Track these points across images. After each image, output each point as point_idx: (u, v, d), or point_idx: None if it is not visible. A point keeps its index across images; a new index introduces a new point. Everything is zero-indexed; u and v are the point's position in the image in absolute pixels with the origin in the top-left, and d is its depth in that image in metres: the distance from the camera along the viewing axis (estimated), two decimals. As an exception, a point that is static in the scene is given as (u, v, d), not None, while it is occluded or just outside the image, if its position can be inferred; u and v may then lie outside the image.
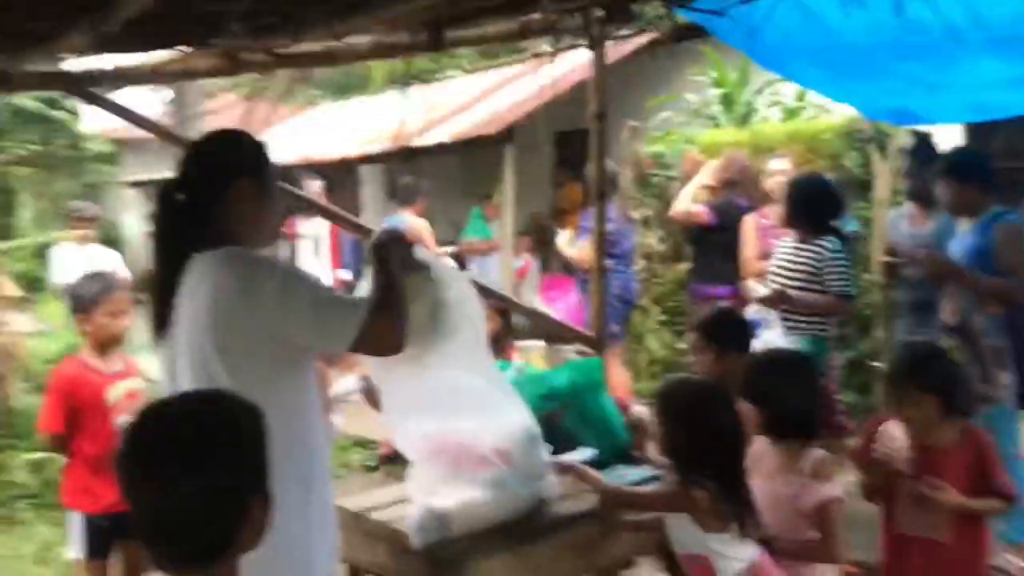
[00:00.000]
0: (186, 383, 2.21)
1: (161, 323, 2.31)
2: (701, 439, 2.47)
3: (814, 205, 4.51)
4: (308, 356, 2.32)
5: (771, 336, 4.31)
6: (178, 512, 1.44)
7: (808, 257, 4.41)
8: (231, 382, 2.10)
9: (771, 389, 2.76)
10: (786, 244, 4.62)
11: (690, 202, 5.78)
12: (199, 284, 2.20)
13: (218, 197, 2.28)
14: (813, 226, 4.47)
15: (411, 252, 2.53)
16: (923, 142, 4.82)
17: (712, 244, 5.67)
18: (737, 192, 5.69)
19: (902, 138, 5.72)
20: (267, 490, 1.53)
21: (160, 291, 2.30)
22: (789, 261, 4.49)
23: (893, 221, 4.92)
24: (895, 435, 2.84)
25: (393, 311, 2.26)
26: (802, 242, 4.46)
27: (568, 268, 7.16)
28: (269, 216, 2.41)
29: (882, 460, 2.86)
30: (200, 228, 2.26)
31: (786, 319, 4.39)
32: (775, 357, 3.18)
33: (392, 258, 2.38)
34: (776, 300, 4.36)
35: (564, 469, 2.88)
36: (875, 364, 5.62)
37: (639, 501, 2.80)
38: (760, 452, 2.78)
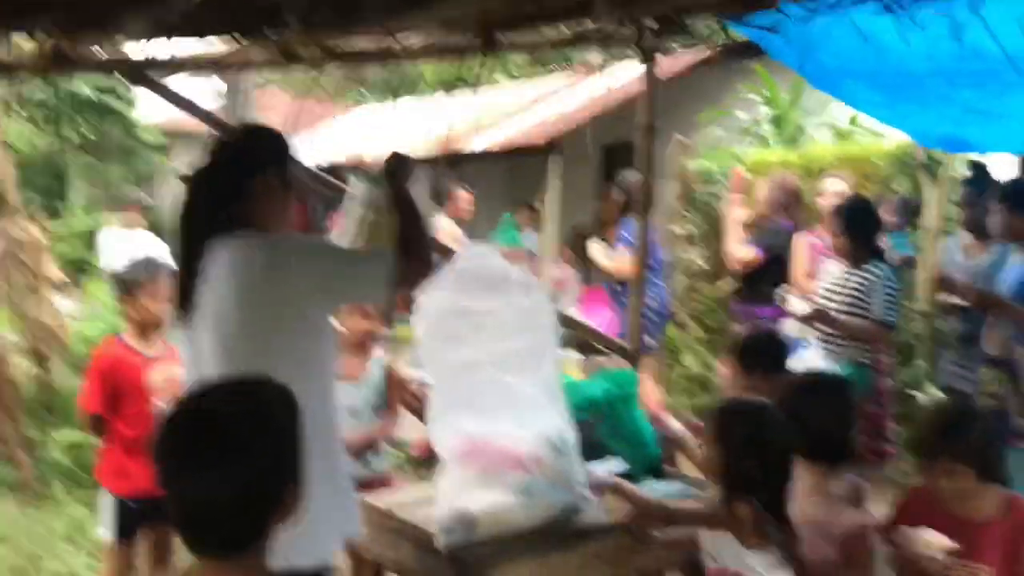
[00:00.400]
0: (210, 367, 2.29)
1: (184, 307, 2.38)
2: (752, 459, 2.43)
3: (864, 228, 4.44)
4: (330, 332, 2.43)
5: (810, 357, 4.26)
6: (215, 501, 1.46)
7: (857, 282, 4.35)
8: (256, 361, 2.15)
9: (805, 409, 2.72)
10: (835, 267, 4.56)
11: (737, 242, 5.74)
12: (221, 268, 2.29)
13: (244, 187, 2.39)
14: (863, 249, 4.41)
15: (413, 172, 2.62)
16: (980, 171, 4.75)
17: (758, 267, 5.62)
18: (784, 215, 5.65)
19: (959, 167, 5.65)
20: (300, 476, 1.55)
21: (185, 276, 2.39)
22: (838, 285, 4.43)
23: (948, 250, 4.84)
24: (920, 540, 2.52)
25: (417, 241, 2.44)
26: (853, 266, 4.39)
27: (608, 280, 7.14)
28: (289, 208, 2.54)
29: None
30: (225, 217, 2.36)
31: (826, 342, 4.33)
32: (812, 378, 3.13)
33: (403, 178, 2.52)
34: (817, 319, 4.31)
35: (601, 484, 2.84)
36: (915, 393, 5.54)
37: (679, 517, 2.74)
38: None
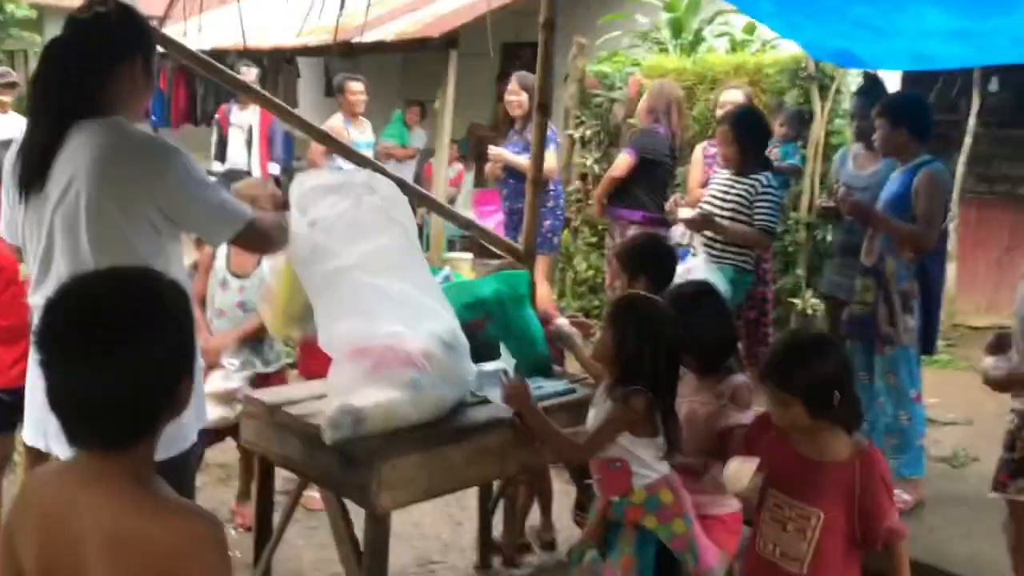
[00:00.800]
0: (56, 248, 2.31)
1: (31, 183, 2.33)
2: (645, 346, 2.56)
3: (753, 138, 4.54)
4: (175, 239, 2.44)
5: (694, 264, 4.38)
6: (109, 390, 1.39)
7: (743, 189, 4.46)
8: (96, 246, 2.25)
9: (689, 317, 2.83)
10: (722, 175, 4.65)
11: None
12: (82, 148, 2.27)
13: (109, 70, 2.36)
14: (751, 159, 4.51)
15: None
16: (872, 82, 4.85)
17: (632, 171, 5.66)
18: (662, 121, 5.69)
19: (849, 80, 5.79)
20: (192, 367, 1.51)
21: (37, 153, 2.33)
22: (723, 191, 4.54)
23: (840, 160, 4.97)
24: (741, 475, 2.49)
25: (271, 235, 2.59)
26: (738, 174, 4.50)
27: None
28: (148, 95, 2.57)
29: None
30: (85, 97, 2.32)
31: (710, 249, 4.45)
32: (692, 287, 3.20)
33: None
34: (701, 224, 4.41)
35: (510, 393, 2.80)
36: (793, 301, 5.77)
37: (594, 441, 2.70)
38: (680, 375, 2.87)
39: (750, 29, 7.48)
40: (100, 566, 1.42)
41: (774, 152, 5.34)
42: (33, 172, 2.33)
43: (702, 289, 3.15)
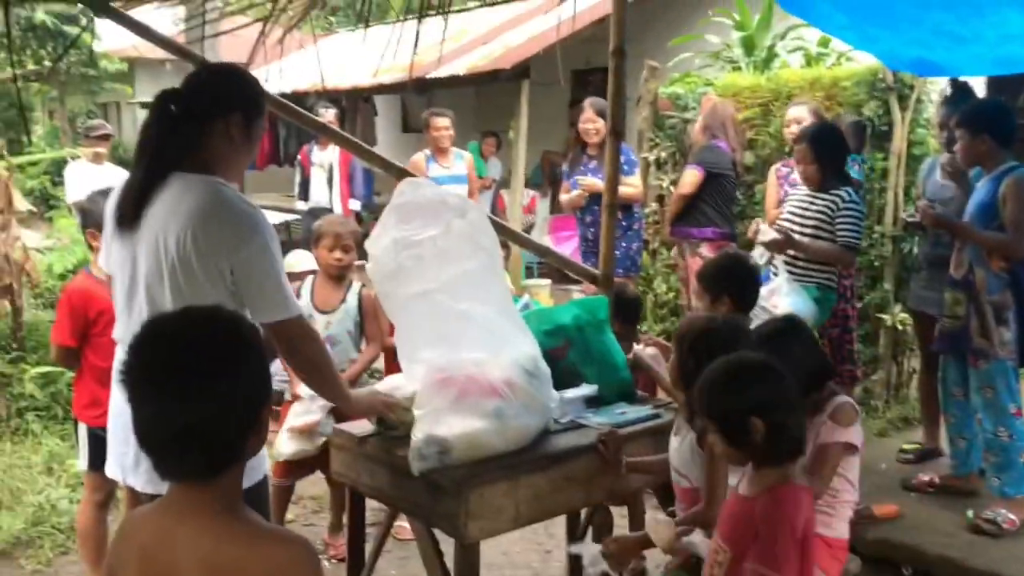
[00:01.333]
0: (139, 287, 2.44)
1: (124, 219, 2.46)
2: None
3: (832, 154, 4.46)
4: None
5: (777, 284, 4.32)
6: (197, 423, 1.45)
7: (823, 206, 4.39)
8: (176, 294, 2.35)
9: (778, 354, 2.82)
10: (800, 192, 4.59)
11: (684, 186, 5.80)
12: (178, 199, 2.37)
13: (210, 124, 2.46)
14: (830, 175, 4.44)
15: None
16: (961, 91, 4.71)
17: (699, 187, 5.68)
18: (720, 138, 5.73)
19: (929, 90, 5.65)
20: (270, 399, 1.57)
21: (136, 194, 2.44)
22: (802, 209, 4.48)
23: (925, 171, 4.84)
24: (660, 533, 2.60)
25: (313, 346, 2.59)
26: (818, 191, 4.43)
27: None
28: (249, 154, 2.61)
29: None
30: (185, 148, 2.43)
31: (792, 268, 4.39)
32: (764, 331, 3.06)
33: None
34: (782, 245, 4.35)
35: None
36: (882, 316, 5.63)
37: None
38: None
39: (824, 42, 7.36)
40: None
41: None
42: (128, 209, 2.46)
43: (784, 326, 3.07)
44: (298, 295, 4.13)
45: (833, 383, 3.10)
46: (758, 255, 4.45)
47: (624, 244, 5.83)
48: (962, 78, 4.81)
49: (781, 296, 4.27)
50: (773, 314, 4.03)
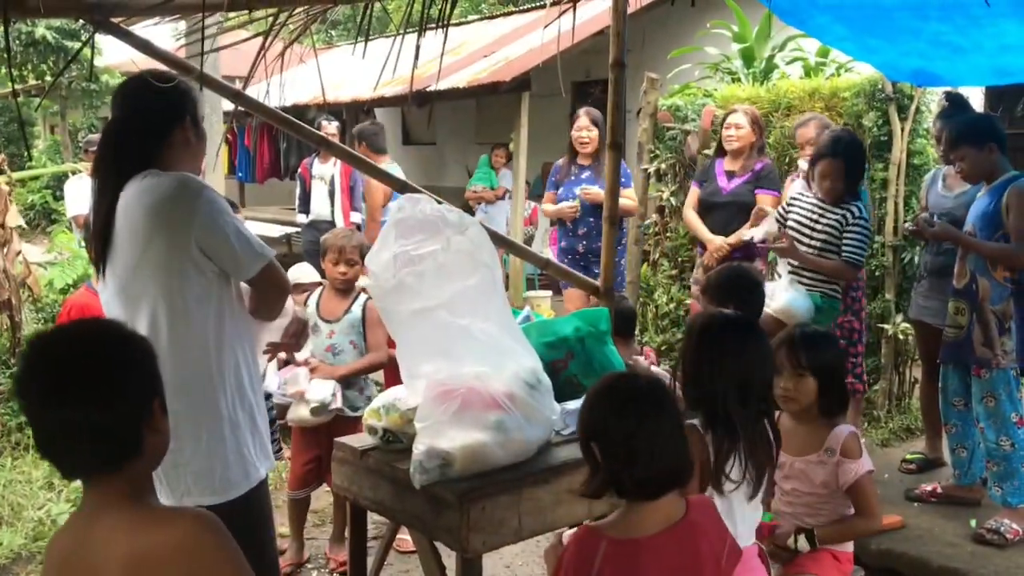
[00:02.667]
0: (113, 287, 2.49)
1: (101, 247, 2.51)
2: (707, 369, 2.47)
3: (855, 169, 4.43)
4: (224, 282, 2.52)
5: (778, 285, 4.30)
6: (85, 419, 1.51)
7: (833, 220, 4.39)
8: (154, 293, 2.41)
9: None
10: (807, 199, 4.54)
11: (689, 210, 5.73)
12: (136, 200, 2.43)
13: (165, 135, 2.53)
14: (852, 189, 4.41)
15: None
16: (957, 103, 4.70)
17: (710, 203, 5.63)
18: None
19: (928, 100, 5.66)
20: (161, 393, 1.63)
21: (101, 216, 2.50)
22: (812, 221, 4.45)
23: (928, 182, 4.82)
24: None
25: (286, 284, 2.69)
26: (833, 204, 4.40)
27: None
28: (204, 148, 2.70)
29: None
30: (142, 163, 2.48)
31: (796, 273, 4.40)
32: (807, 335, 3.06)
33: None
34: (787, 252, 4.36)
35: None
36: (883, 326, 5.63)
37: None
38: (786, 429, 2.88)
39: (824, 53, 7.40)
40: None
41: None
42: (99, 239, 2.51)
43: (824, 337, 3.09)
44: (304, 305, 4.14)
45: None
46: (758, 233, 4.43)
47: (616, 257, 5.75)
48: (957, 90, 4.81)
49: (779, 291, 4.28)
50: (768, 309, 4.06)
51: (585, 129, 5.94)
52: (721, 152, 5.61)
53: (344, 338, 4.12)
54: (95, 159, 2.61)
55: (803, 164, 5.08)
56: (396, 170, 7.18)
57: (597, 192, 5.68)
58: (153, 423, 1.60)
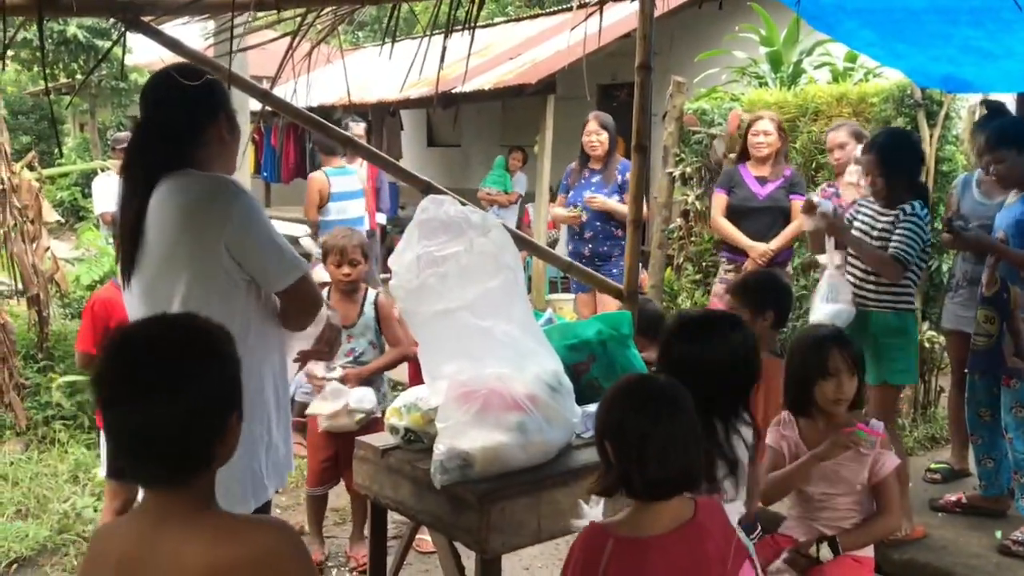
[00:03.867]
0: (138, 290, 2.43)
1: (131, 246, 2.44)
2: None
3: (900, 165, 4.06)
4: (253, 292, 2.46)
5: (828, 274, 4.13)
6: (157, 429, 1.47)
7: (887, 222, 4.04)
8: (183, 294, 2.33)
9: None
10: (866, 209, 4.18)
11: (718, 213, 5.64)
12: (162, 206, 2.37)
13: (200, 132, 2.47)
14: (901, 188, 4.04)
15: None
16: (995, 110, 4.62)
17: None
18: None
19: (958, 106, 5.61)
20: (240, 406, 1.59)
21: (132, 215, 2.43)
22: (870, 227, 4.10)
23: (959, 188, 4.69)
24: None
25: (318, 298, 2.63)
26: (886, 207, 4.06)
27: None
28: (238, 146, 2.62)
29: None
30: (177, 159, 2.42)
31: (859, 290, 4.06)
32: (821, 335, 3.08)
33: None
34: (832, 228, 4.06)
35: None
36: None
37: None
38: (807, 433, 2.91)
39: (852, 58, 7.35)
40: None
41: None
42: (129, 237, 2.45)
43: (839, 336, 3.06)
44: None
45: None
46: (809, 224, 4.16)
47: (621, 262, 5.24)
48: (994, 96, 4.75)
49: (818, 303, 4.05)
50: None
51: (595, 133, 5.92)
52: (743, 158, 5.58)
53: (363, 341, 4.13)
54: (125, 158, 2.57)
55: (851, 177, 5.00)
56: (350, 172, 7.54)
57: (603, 201, 5.78)
58: (226, 438, 1.56)
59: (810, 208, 4.13)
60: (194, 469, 1.53)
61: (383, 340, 4.19)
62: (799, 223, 4.88)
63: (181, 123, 2.45)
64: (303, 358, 2.86)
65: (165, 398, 1.47)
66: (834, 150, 5.18)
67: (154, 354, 1.51)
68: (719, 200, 5.61)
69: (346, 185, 7.45)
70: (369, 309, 4.16)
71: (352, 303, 4.15)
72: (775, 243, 5.31)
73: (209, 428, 1.52)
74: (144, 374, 1.49)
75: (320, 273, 4.67)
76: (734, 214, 5.52)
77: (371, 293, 4.20)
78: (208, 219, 2.36)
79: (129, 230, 2.45)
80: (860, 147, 4.61)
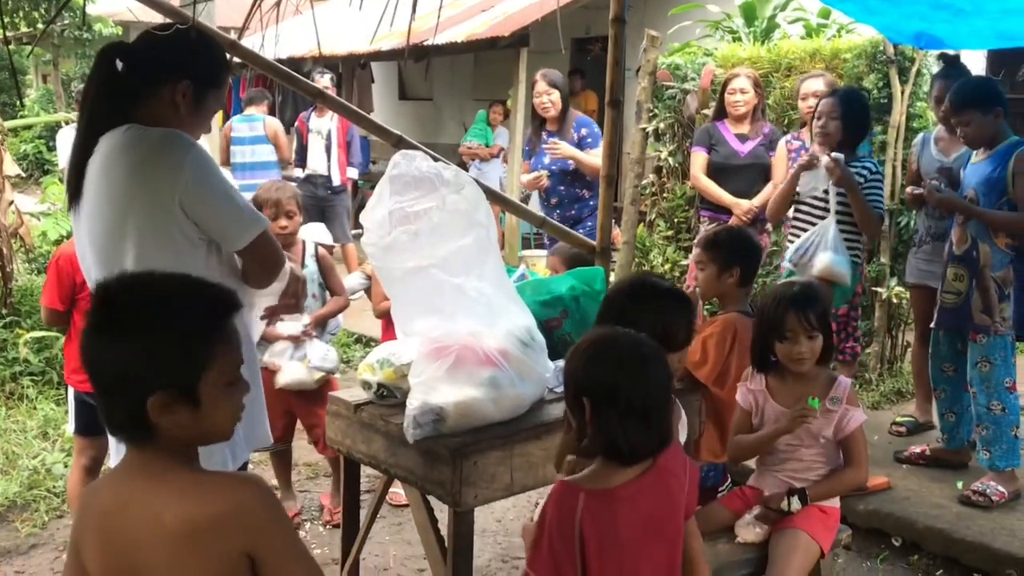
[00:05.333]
0: (91, 254, 2.37)
1: (74, 195, 2.38)
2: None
3: (857, 121, 4.31)
4: (211, 251, 2.39)
5: (817, 235, 4.18)
6: (111, 364, 1.52)
7: (854, 174, 4.22)
8: (136, 255, 2.26)
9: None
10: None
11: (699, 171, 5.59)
12: (115, 156, 2.29)
13: (154, 88, 2.36)
14: (850, 141, 4.29)
15: None
16: (952, 65, 4.66)
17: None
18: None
19: (934, 60, 5.61)
20: (179, 386, 1.54)
21: (75, 164, 2.36)
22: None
23: (923, 145, 4.75)
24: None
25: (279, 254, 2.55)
26: (846, 163, 4.20)
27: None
28: (196, 126, 2.47)
29: None
30: (121, 110, 2.33)
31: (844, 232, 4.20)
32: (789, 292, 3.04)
33: None
34: (840, 175, 4.13)
35: None
36: (877, 290, 5.64)
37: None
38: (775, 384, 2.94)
39: (825, 14, 7.33)
40: (161, 557, 1.50)
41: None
42: (72, 186, 2.39)
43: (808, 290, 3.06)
44: (303, 264, 4.10)
45: (837, 360, 3.11)
46: (819, 179, 4.21)
47: (590, 223, 5.27)
48: (952, 51, 4.76)
49: (818, 253, 4.12)
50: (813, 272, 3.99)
51: (545, 94, 5.59)
52: (719, 116, 5.55)
53: (308, 297, 4.09)
54: (82, 93, 2.47)
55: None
56: (256, 119, 8.39)
57: (564, 147, 5.48)
58: (160, 411, 1.52)
59: (810, 164, 4.17)
60: (137, 432, 1.55)
61: (325, 293, 4.17)
62: (779, 180, 4.90)
63: (132, 78, 2.35)
64: (271, 313, 2.80)
65: (118, 338, 1.51)
66: (808, 98, 5.13)
67: (124, 299, 1.55)
68: (700, 158, 5.54)
69: (247, 131, 8.26)
70: (311, 263, 4.12)
71: (292, 257, 4.09)
72: (758, 200, 5.30)
73: (178, 384, 1.52)
74: (101, 324, 1.53)
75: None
76: (716, 172, 5.47)
77: (310, 246, 4.16)
78: (160, 175, 2.27)
79: (70, 185, 2.39)
80: None
